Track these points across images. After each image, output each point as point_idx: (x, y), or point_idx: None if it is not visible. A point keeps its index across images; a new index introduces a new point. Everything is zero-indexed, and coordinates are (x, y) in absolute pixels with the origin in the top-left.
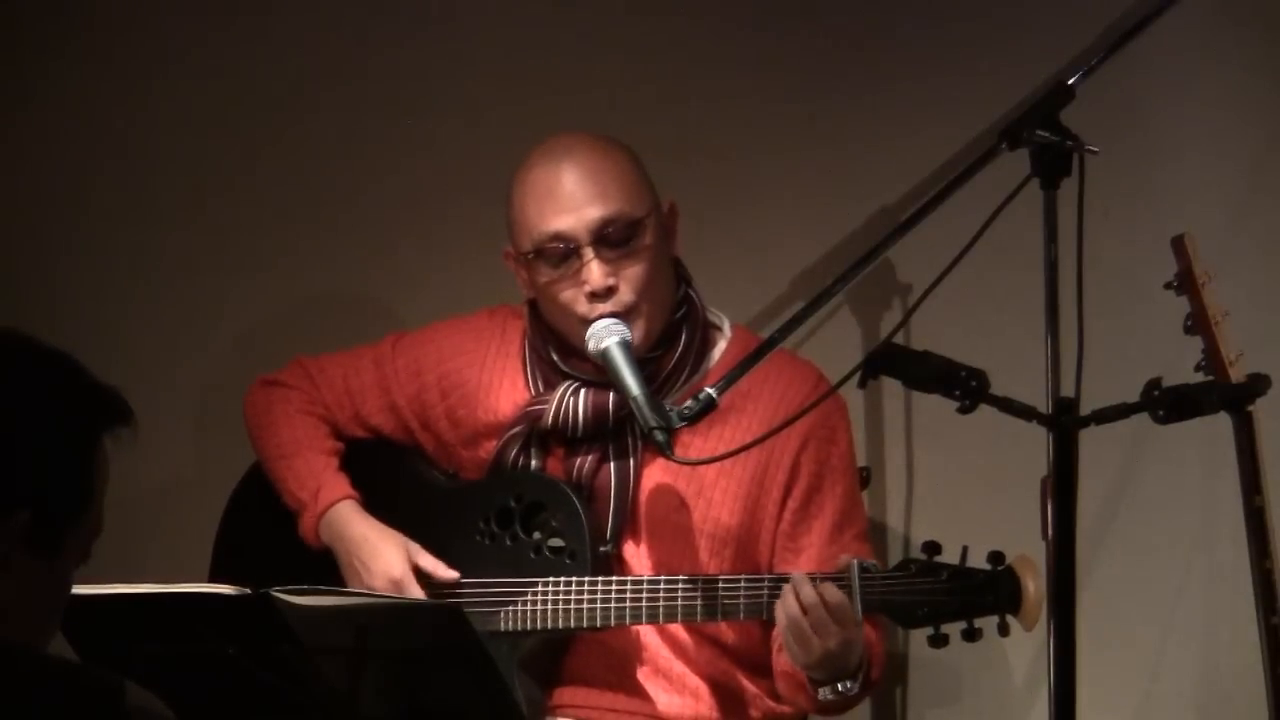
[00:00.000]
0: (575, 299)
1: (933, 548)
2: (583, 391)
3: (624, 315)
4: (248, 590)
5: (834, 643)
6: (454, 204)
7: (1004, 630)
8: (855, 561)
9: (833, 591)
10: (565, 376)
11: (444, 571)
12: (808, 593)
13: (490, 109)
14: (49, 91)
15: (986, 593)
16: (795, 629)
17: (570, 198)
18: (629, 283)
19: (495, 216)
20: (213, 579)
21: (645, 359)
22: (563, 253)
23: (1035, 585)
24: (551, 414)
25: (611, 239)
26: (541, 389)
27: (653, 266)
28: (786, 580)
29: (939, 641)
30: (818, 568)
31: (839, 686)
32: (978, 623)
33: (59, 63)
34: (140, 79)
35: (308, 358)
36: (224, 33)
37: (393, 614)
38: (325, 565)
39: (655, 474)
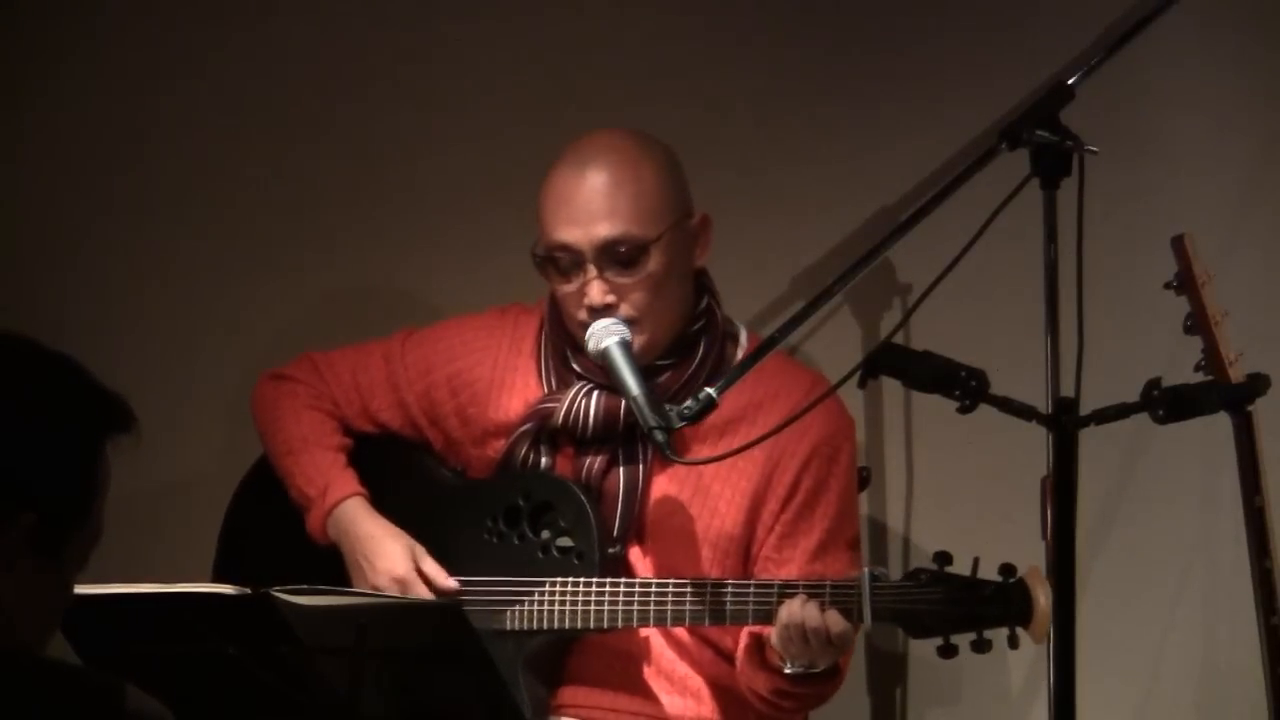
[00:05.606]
0: (578, 307)
1: (944, 558)
2: (595, 394)
3: (625, 323)
4: (248, 590)
5: (823, 661)
6: (464, 204)
7: (1014, 643)
8: (866, 570)
9: (837, 621)
10: (578, 376)
11: (445, 580)
12: (812, 614)
13: (499, 110)
14: (60, 92)
15: (996, 605)
16: (788, 634)
17: (582, 210)
18: (630, 303)
19: (506, 216)
20: (217, 574)
21: (658, 367)
22: (568, 263)
23: (1046, 598)
24: (562, 413)
25: (618, 259)
26: (555, 385)
27: (658, 288)
28: (796, 588)
29: (949, 652)
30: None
31: (804, 662)
32: (987, 634)
33: (68, 64)
34: (151, 79)
35: (317, 353)
36: (234, 33)
37: (393, 613)
38: (332, 560)
39: (663, 480)
